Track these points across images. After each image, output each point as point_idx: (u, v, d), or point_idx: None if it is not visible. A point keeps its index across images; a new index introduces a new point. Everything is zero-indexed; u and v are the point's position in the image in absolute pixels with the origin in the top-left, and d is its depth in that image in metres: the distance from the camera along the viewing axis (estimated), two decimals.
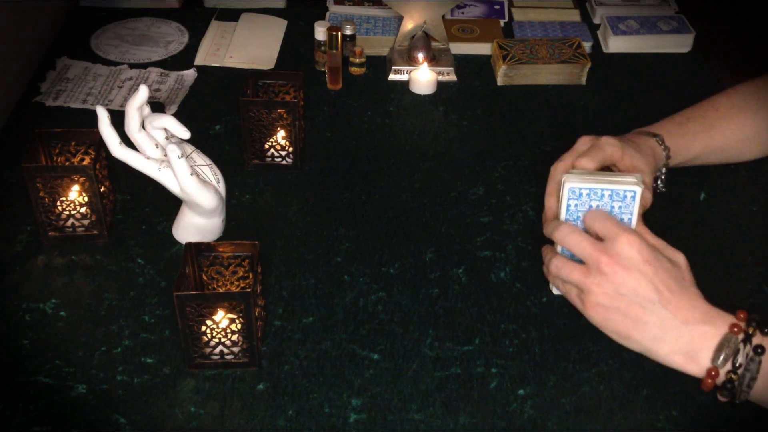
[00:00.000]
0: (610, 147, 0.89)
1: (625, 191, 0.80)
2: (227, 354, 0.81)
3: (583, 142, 0.92)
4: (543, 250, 0.86)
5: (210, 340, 0.80)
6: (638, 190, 0.80)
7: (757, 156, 1.04)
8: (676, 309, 0.74)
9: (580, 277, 0.77)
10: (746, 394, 0.73)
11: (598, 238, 0.79)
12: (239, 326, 0.80)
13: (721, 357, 0.73)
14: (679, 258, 0.79)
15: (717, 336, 0.73)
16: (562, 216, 0.83)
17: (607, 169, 0.91)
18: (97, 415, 0.77)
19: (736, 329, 0.73)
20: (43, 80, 1.21)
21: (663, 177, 0.97)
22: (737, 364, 0.73)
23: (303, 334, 0.86)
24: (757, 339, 0.73)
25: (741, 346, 0.72)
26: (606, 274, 0.75)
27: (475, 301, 0.90)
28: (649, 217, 0.88)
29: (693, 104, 1.02)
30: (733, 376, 0.73)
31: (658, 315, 0.74)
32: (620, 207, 0.81)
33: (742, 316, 0.74)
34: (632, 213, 0.81)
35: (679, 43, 1.34)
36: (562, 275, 0.79)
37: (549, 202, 0.89)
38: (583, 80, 1.25)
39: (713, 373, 0.73)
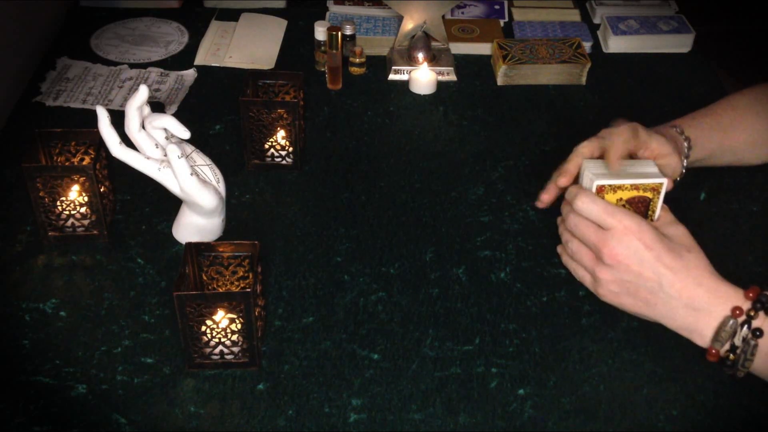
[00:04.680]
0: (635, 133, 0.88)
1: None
2: (227, 354, 0.81)
3: (620, 133, 0.87)
4: (561, 227, 0.85)
5: (210, 340, 0.80)
6: (665, 182, 0.81)
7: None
8: (680, 290, 0.77)
9: (592, 264, 0.81)
10: (743, 372, 0.77)
11: None
12: (239, 326, 0.79)
13: (719, 339, 0.76)
14: (680, 230, 0.81)
15: (717, 319, 0.76)
16: None
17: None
18: (97, 415, 0.77)
19: (737, 312, 0.75)
20: (43, 80, 1.21)
21: (683, 172, 0.95)
22: (735, 345, 0.76)
23: (303, 334, 0.86)
24: (758, 321, 0.75)
25: (739, 329, 0.76)
26: (611, 265, 0.79)
27: (475, 301, 0.90)
28: None
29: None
30: (731, 355, 0.77)
31: (663, 297, 0.78)
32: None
33: (751, 294, 0.76)
34: (657, 207, 0.82)
35: (679, 43, 1.34)
36: (577, 259, 0.82)
37: (561, 181, 0.86)
38: (583, 80, 1.25)
39: (713, 351, 0.77)
